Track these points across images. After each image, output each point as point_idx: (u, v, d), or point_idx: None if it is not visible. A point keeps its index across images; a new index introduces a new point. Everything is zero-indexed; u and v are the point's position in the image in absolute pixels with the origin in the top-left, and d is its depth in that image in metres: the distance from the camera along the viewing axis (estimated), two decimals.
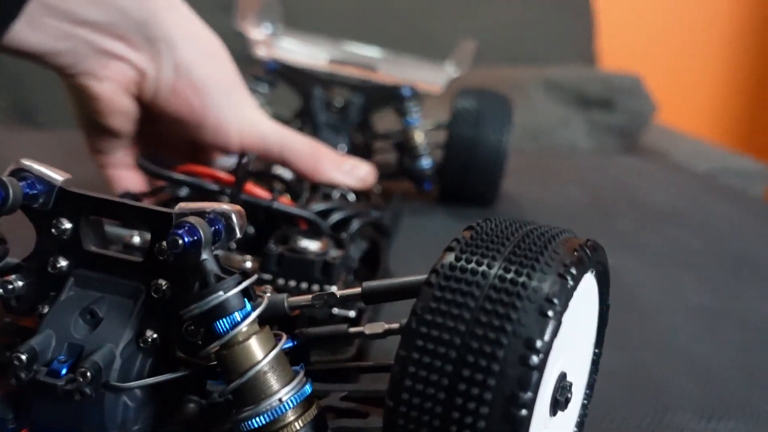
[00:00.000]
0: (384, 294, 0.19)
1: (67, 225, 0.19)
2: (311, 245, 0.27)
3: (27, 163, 0.19)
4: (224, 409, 0.19)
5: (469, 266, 0.17)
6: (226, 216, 0.18)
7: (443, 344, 0.15)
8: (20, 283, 0.19)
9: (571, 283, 0.16)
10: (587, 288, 0.19)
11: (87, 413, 0.18)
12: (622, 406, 0.24)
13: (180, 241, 0.17)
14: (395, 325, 0.19)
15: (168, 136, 0.35)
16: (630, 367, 0.27)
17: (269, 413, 0.17)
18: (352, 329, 0.20)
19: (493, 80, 1.26)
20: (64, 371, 0.17)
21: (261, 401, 0.17)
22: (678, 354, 0.29)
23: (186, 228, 0.17)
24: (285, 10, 0.56)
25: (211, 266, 0.18)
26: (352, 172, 0.36)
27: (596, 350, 0.21)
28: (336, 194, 0.36)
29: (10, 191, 0.18)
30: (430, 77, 0.51)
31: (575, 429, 0.20)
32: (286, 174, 0.38)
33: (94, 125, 0.34)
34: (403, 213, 0.47)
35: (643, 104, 0.97)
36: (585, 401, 0.21)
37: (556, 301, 0.15)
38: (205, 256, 0.17)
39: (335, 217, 0.31)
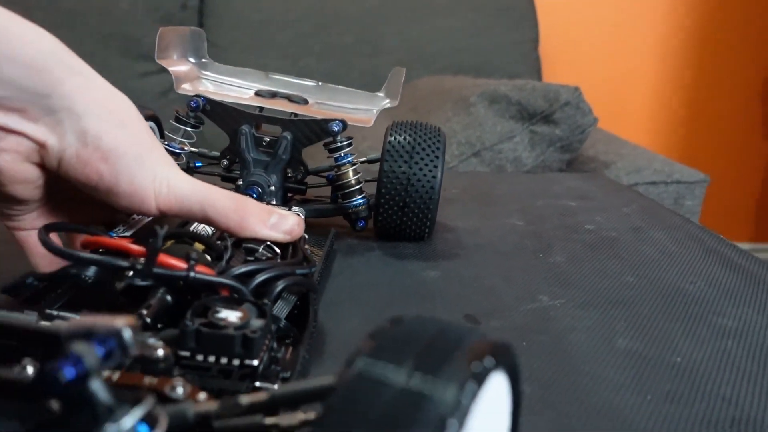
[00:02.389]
0: (291, 399, 0.18)
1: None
2: (231, 316, 0.26)
3: None
4: None
5: (373, 376, 0.16)
6: (118, 335, 0.16)
7: None
8: None
9: (473, 391, 0.16)
10: (496, 387, 0.18)
11: None
12: None
13: (64, 377, 0.15)
14: (311, 415, 0.19)
15: (81, 198, 0.34)
16: (552, 417, 0.27)
17: None
18: (268, 420, 0.19)
19: (438, 91, 1.26)
20: None
21: None
22: (602, 410, 0.28)
23: (70, 359, 0.15)
24: (210, 45, 0.54)
25: (101, 396, 0.16)
26: (278, 226, 0.35)
27: None
28: (261, 249, 0.34)
29: None
30: (362, 108, 0.50)
31: None
32: (207, 229, 0.36)
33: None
34: (335, 253, 0.46)
35: (584, 117, 0.98)
36: None
37: (458, 406, 0.15)
38: (93, 385, 0.16)
39: (259, 278, 0.30)
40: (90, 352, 0.16)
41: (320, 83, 0.52)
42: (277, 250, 0.35)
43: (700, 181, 1.02)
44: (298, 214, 0.38)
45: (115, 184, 0.32)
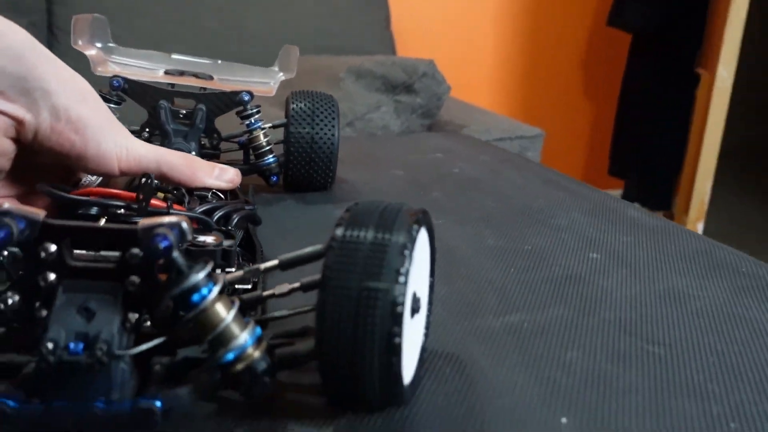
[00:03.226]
0: (295, 262, 0.27)
1: (53, 248, 0.24)
2: (207, 239, 0.34)
3: (7, 206, 0.23)
4: (185, 365, 0.26)
5: (353, 234, 0.25)
6: (179, 225, 0.24)
7: (347, 280, 0.24)
8: (16, 298, 0.24)
9: (414, 235, 0.26)
10: (422, 239, 0.28)
11: (96, 382, 0.23)
12: (449, 316, 0.34)
13: (161, 246, 0.23)
14: (296, 285, 0.28)
15: (42, 166, 0.39)
16: (452, 293, 0.38)
17: (236, 350, 0.24)
18: (265, 293, 0.28)
19: (309, 70, 1.34)
20: (80, 351, 0.23)
21: (230, 343, 0.24)
22: (481, 281, 0.40)
23: (165, 239, 0.23)
24: (64, 33, 0.58)
25: (181, 261, 0.24)
26: (221, 176, 0.42)
27: (431, 279, 0.31)
28: (209, 196, 0.42)
29: (13, 228, 0.23)
30: (262, 81, 0.58)
31: (425, 329, 0.30)
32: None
33: None
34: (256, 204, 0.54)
35: (440, 86, 1.12)
36: (428, 312, 0.31)
37: (408, 246, 0.25)
38: (175, 254, 0.24)
39: (218, 214, 0.38)
40: (171, 232, 0.24)
41: (220, 61, 0.59)
42: (222, 197, 0.43)
43: (538, 136, 1.20)
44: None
45: (84, 151, 0.38)
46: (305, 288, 0.28)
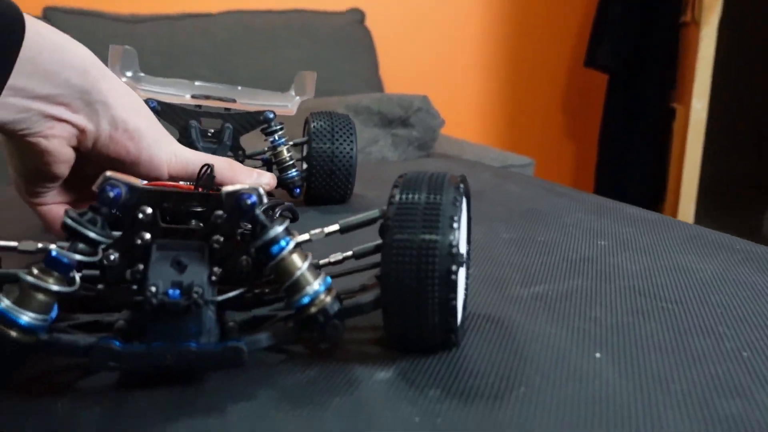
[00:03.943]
0: (354, 226, 0.31)
1: (149, 211, 0.28)
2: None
3: (111, 174, 0.27)
4: (255, 322, 0.29)
5: (409, 197, 0.29)
6: (257, 190, 0.28)
7: (409, 236, 0.28)
8: (117, 255, 0.27)
9: (461, 192, 0.30)
10: (464, 202, 0.32)
11: (189, 326, 0.27)
12: (482, 288, 0.38)
13: (248, 201, 0.27)
14: (349, 253, 0.31)
15: (92, 177, 0.43)
16: (480, 272, 0.42)
17: (310, 295, 0.28)
18: (321, 261, 0.32)
19: (305, 110, 1.40)
20: (178, 295, 0.26)
21: (304, 289, 0.28)
22: (504, 263, 0.44)
23: (251, 195, 0.27)
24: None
25: (263, 217, 0.28)
26: (259, 179, 0.46)
27: (468, 246, 0.34)
28: None
29: (122, 189, 0.26)
30: (281, 103, 0.62)
31: (467, 279, 0.34)
32: None
33: (36, 174, 0.40)
34: None
35: (434, 119, 1.18)
36: (467, 275, 0.34)
37: (458, 200, 0.29)
38: (258, 211, 0.27)
39: (265, 204, 0.42)
40: (255, 191, 0.28)
41: (240, 87, 0.64)
42: None
43: (528, 164, 1.26)
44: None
45: (138, 157, 0.41)
46: (357, 256, 0.32)
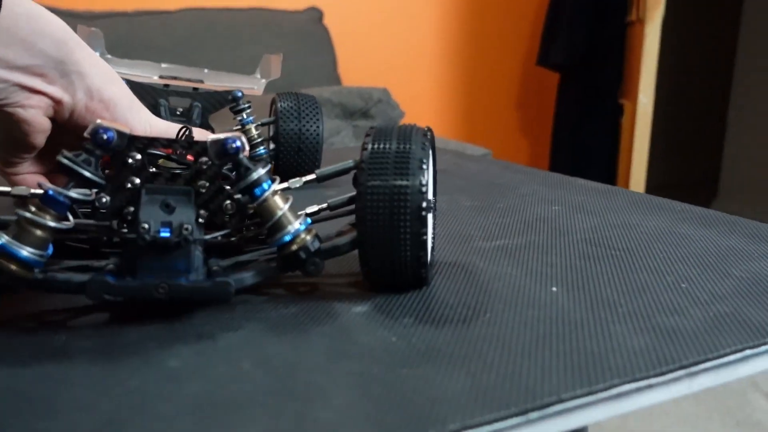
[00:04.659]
0: (330, 175, 0.34)
1: (138, 156, 0.29)
2: None
3: (102, 122, 0.29)
4: (236, 266, 0.31)
5: (380, 147, 0.32)
6: (240, 138, 0.30)
7: (380, 181, 0.30)
8: (107, 199, 0.29)
9: (429, 140, 0.32)
10: (430, 152, 0.35)
11: (178, 263, 0.28)
12: (447, 241, 0.40)
13: (234, 146, 0.29)
14: (324, 205, 0.34)
15: (67, 145, 0.44)
16: (444, 230, 0.44)
17: (291, 233, 0.30)
18: (299, 212, 0.34)
19: (269, 103, 1.41)
20: (168, 233, 0.28)
21: (286, 228, 0.30)
22: (467, 223, 0.46)
23: (236, 140, 0.29)
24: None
25: (246, 161, 0.30)
26: None
27: (434, 197, 0.37)
28: None
29: (113, 134, 0.28)
30: (247, 84, 0.64)
31: (433, 229, 0.36)
32: None
33: (12, 143, 0.41)
34: None
35: (394, 110, 1.21)
36: (434, 225, 0.37)
37: (426, 146, 0.31)
38: (242, 155, 0.30)
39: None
40: (240, 140, 0.30)
41: (206, 70, 0.65)
42: None
43: (485, 154, 1.30)
44: None
45: None
46: (332, 207, 0.34)
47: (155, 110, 0.58)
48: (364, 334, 0.28)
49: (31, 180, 0.45)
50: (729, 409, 1.24)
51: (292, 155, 0.61)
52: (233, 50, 1.66)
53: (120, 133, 0.29)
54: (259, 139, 0.61)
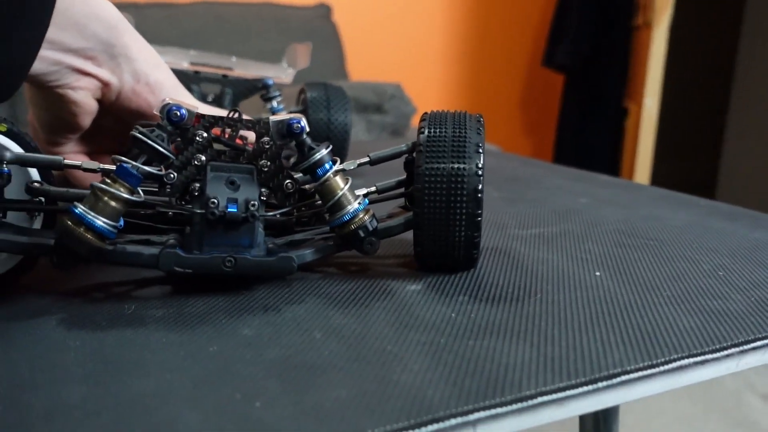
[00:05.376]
0: (384, 158, 0.35)
1: (204, 134, 0.30)
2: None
3: (170, 100, 0.30)
4: (292, 244, 0.33)
5: (436, 132, 0.33)
6: (302, 119, 0.31)
7: (439, 164, 0.31)
8: (175, 175, 0.30)
9: (483, 133, 0.33)
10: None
11: (243, 238, 0.29)
12: (486, 229, 0.42)
13: (299, 125, 0.30)
14: (372, 188, 0.35)
15: (109, 129, 0.44)
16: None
17: (351, 213, 0.31)
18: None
19: (286, 97, 1.42)
20: (235, 209, 0.29)
21: (345, 207, 0.31)
22: (501, 212, 0.48)
23: (300, 120, 0.30)
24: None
25: (309, 141, 0.31)
26: None
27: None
28: None
29: (185, 112, 0.29)
30: (276, 73, 0.65)
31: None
32: None
33: (60, 124, 0.41)
34: None
35: (407, 106, 1.22)
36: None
37: (480, 142, 0.32)
38: (304, 135, 0.31)
39: None
40: (303, 121, 0.31)
41: (234, 58, 0.66)
42: None
43: (495, 150, 1.31)
44: None
45: None
46: (380, 191, 0.36)
47: None
48: (423, 310, 0.29)
49: (77, 159, 0.45)
50: (726, 409, 1.26)
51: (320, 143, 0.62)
52: (242, 45, 1.67)
53: (189, 111, 0.30)
54: None
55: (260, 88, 0.61)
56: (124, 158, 0.29)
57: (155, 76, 0.43)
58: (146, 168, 0.29)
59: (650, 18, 1.74)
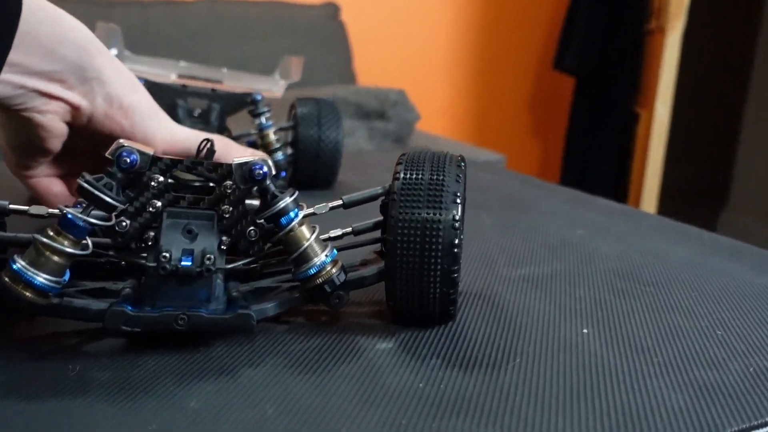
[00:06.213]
0: (357, 202, 0.32)
1: (160, 179, 0.28)
2: None
3: (124, 141, 0.28)
4: (256, 293, 0.30)
5: (412, 176, 0.30)
6: (266, 162, 0.29)
7: (412, 214, 0.29)
8: (128, 222, 0.28)
9: (462, 180, 0.31)
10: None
11: (199, 292, 0.27)
12: (471, 267, 0.39)
13: (261, 171, 0.28)
14: (348, 229, 0.32)
15: (82, 151, 0.42)
16: (468, 253, 0.43)
17: (317, 266, 0.29)
18: (322, 236, 0.33)
19: (283, 102, 1.40)
20: (190, 262, 0.27)
21: (311, 260, 0.29)
22: (490, 245, 0.45)
23: (263, 165, 0.28)
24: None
25: (273, 187, 0.29)
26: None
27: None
28: None
29: (136, 157, 0.27)
30: (267, 86, 0.63)
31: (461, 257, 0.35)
32: None
33: (29, 147, 0.40)
34: None
35: (410, 113, 1.19)
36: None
37: (459, 191, 0.30)
38: (268, 181, 0.28)
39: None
40: (267, 165, 0.28)
41: (225, 69, 0.64)
42: None
43: (498, 161, 1.28)
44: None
45: (132, 134, 0.41)
46: (356, 232, 0.33)
47: (173, 111, 0.57)
48: (390, 377, 0.27)
49: (47, 183, 0.44)
50: None
51: (311, 162, 0.60)
52: (247, 43, 1.64)
53: (143, 154, 0.28)
54: (277, 145, 0.60)
55: (249, 104, 0.59)
56: (67, 208, 0.27)
57: (129, 99, 0.41)
58: (92, 220, 0.27)
59: (664, 22, 1.70)
